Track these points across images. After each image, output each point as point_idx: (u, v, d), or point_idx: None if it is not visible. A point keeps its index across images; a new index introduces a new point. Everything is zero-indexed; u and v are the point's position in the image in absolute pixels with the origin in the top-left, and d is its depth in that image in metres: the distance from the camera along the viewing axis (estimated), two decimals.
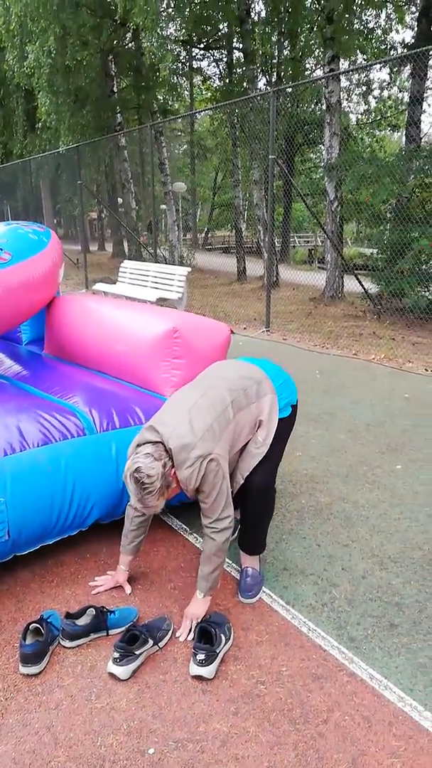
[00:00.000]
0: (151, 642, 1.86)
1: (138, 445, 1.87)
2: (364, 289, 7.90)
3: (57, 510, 2.22)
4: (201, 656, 1.78)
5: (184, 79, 18.81)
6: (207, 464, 1.82)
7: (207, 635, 1.85)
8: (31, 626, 1.86)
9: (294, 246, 21.36)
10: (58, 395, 2.71)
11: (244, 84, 11.52)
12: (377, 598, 2.16)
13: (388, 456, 3.44)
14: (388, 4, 12.19)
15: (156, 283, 8.00)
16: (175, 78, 15.97)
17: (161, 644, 1.91)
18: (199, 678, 1.78)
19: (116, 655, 1.79)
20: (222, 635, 1.87)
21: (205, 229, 27.21)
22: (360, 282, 7.88)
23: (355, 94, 16.81)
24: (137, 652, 1.81)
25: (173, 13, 11.55)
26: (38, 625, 1.86)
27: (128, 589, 2.19)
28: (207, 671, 1.77)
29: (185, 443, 1.82)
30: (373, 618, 2.06)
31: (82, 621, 1.94)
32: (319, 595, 2.18)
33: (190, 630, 1.96)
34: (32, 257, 3.13)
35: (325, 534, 2.60)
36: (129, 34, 12.87)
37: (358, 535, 2.59)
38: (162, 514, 2.75)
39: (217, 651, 1.82)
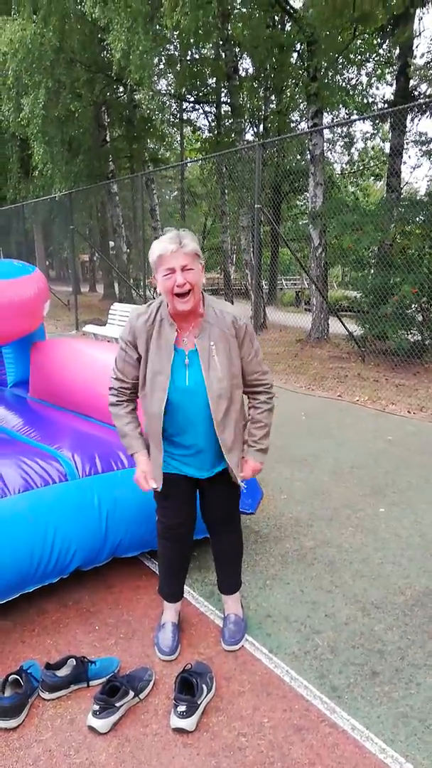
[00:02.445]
0: (131, 693, 1.84)
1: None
2: (349, 331, 8.06)
3: (37, 557, 2.21)
4: (182, 708, 1.76)
5: (175, 129, 19.52)
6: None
7: (188, 685, 1.84)
8: (10, 678, 1.84)
9: (281, 288, 21.76)
10: (40, 440, 2.74)
11: (232, 135, 11.99)
12: (360, 645, 2.16)
13: (371, 499, 3.46)
14: (369, 63, 12.84)
15: None
16: (167, 129, 16.57)
17: (142, 695, 1.89)
18: (179, 731, 1.76)
19: (96, 707, 1.76)
20: (204, 686, 1.86)
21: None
22: (344, 325, 8.04)
23: (339, 146, 17.51)
24: (117, 705, 1.79)
25: (165, 68, 12.11)
26: (17, 677, 1.84)
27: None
28: (188, 723, 1.75)
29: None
30: (356, 666, 2.05)
31: (63, 672, 1.92)
32: (302, 642, 2.18)
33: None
34: (17, 278, 3.24)
35: (309, 579, 2.60)
36: (122, 88, 13.41)
37: (342, 581, 2.59)
38: (144, 558, 2.74)
39: (199, 702, 1.80)
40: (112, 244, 17.32)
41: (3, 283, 3.19)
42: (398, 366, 7.48)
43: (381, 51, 12.26)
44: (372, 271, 8.23)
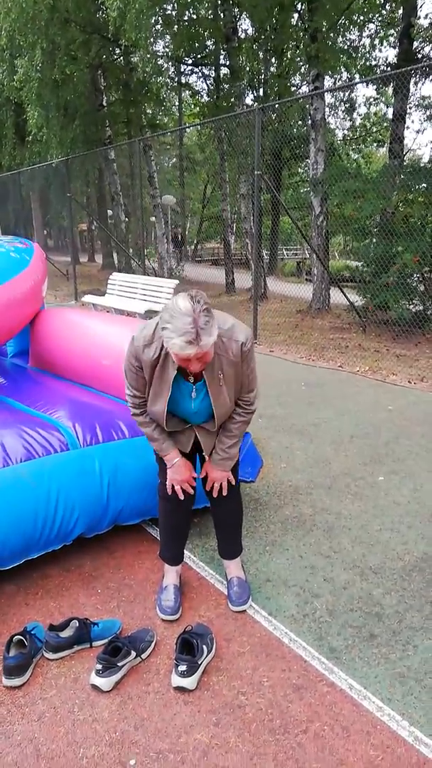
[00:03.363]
0: (133, 654, 1.88)
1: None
2: (350, 302, 8.00)
3: (41, 524, 2.23)
4: (183, 667, 1.80)
5: (173, 93, 19.04)
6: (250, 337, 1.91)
7: (189, 646, 1.87)
8: (14, 638, 1.88)
9: (282, 258, 21.55)
10: (41, 410, 2.74)
11: (232, 100, 11.69)
12: (358, 609, 2.20)
13: (370, 467, 3.49)
14: (371, 24, 12.45)
15: (144, 295, 8.05)
16: (165, 93, 16.15)
17: (144, 656, 1.93)
18: (180, 689, 1.81)
19: (99, 666, 1.80)
20: (204, 646, 1.90)
21: (195, 241, 27.39)
22: (345, 295, 7.99)
23: (341, 111, 17.11)
24: (120, 664, 1.83)
25: (162, 29, 11.73)
26: (22, 638, 1.88)
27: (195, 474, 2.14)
28: (188, 682, 1.79)
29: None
30: (354, 628, 2.09)
31: (66, 633, 1.96)
32: (300, 606, 2.21)
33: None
34: (13, 278, 3.17)
35: (308, 545, 2.64)
36: (118, 50, 13.02)
37: (340, 546, 2.63)
38: (146, 525, 2.78)
39: (199, 662, 1.84)
40: (110, 212, 17.07)
41: (2, 287, 3.10)
42: (399, 336, 7.45)
43: (384, 11, 11.87)
44: (374, 239, 8.13)
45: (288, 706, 1.75)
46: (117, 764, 1.56)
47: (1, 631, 2.06)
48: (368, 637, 2.04)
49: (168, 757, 1.58)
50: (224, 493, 2.13)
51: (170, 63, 14.52)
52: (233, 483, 2.17)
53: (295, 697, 1.78)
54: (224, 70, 13.40)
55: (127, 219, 15.22)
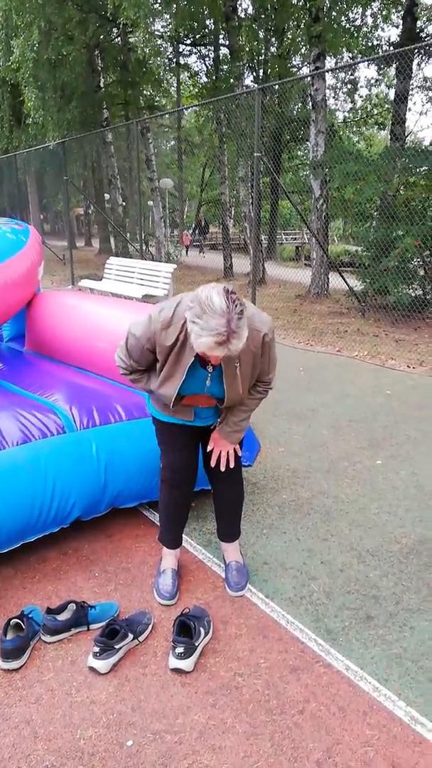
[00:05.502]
0: (131, 636, 1.88)
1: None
2: (349, 286, 7.95)
3: (38, 507, 2.23)
4: (180, 649, 1.80)
5: (171, 74, 18.78)
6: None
7: (186, 628, 1.88)
8: (11, 621, 1.88)
9: (281, 243, 21.40)
10: (38, 393, 2.72)
11: (231, 81, 11.52)
12: (355, 591, 2.20)
13: (368, 451, 3.48)
14: (375, 3, 12.23)
15: (142, 279, 8.00)
16: (163, 73, 15.91)
17: (141, 638, 1.93)
18: (177, 671, 1.81)
19: (96, 649, 1.81)
20: (201, 628, 1.90)
21: (193, 226, 27.20)
22: (345, 279, 7.94)
23: (342, 92, 16.87)
24: (117, 647, 1.83)
25: (160, 8, 11.51)
26: (19, 621, 1.88)
27: None
28: (186, 664, 1.80)
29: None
30: (351, 610, 2.09)
31: (63, 616, 1.96)
32: (298, 588, 2.22)
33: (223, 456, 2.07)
34: (9, 259, 3.13)
35: (306, 528, 2.64)
36: (116, 30, 12.80)
37: (338, 530, 2.63)
38: (143, 509, 2.77)
39: (196, 644, 1.85)
40: (107, 196, 16.91)
41: None
42: (398, 321, 7.42)
43: None
44: (374, 223, 8.06)
45: (285, 687, 1.76)
46: (114, 745, 1.56)
47: None
48: (365, 619, 2.05)
49: (165, 737, 1.59)
50: (231, 464, 2.09)
51: (168, 43, 14.29)
52: (239, 454, 2.15)
53: (292, 678, 1.79)
54: (224, 51, 13.20)
55: (124, 203, 15.09)
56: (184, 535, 2.52)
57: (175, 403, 1.92)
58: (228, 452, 2.07)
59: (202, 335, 1.53)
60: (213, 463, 2.09)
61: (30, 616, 1.94)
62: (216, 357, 1.68)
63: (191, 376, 1.85)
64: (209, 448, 2.09)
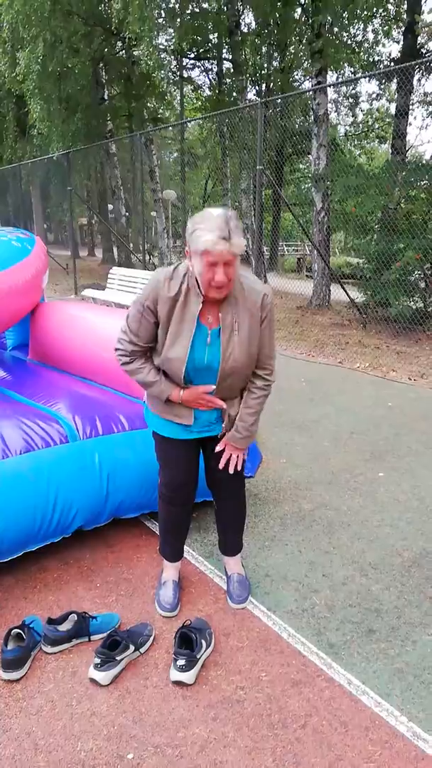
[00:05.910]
0: (132, 648, 1.88)
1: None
2: (350, 298, 7.98)
3: (40, 516, 2.22)
4: (181, 662, 1.80)
5: (175, 87, 18.98)
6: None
7: (187, 641, 1.87)
8: (12, 632, 1.87)
9: (283, 254, 21.50)
10: (41, 402, 2.73)
11: (234, 94, 11.65)
12: (357, 604, 2.19)
13: (370, 464, 3.48)
14: (375, 19, 12.39)
15: None
16: (166, 86, 16.09)
17: (142, 650, 1.92)
18: (179, 683, 1.80)
19: (97, 660, 1.80)
20: (203, 641, 1.89)
21: None
22: (346, 291, 7.97)
23: (343, 106, 17.05)
24: (118, 658, 1.82)
25: (165, 22, 11.67)
26: (20, 631, 1.87)
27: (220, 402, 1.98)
28: (187, 677, 1.79)
29: None
30: (352, 624, 2.09)
31: (64, 626, 1.95)
32: (299, 601, 2.21)
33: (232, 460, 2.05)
34: (15, 266, 3.16)
35: (308, 541, 2.63)
36: (120, 43, 12.96)
37: (340, 542, 2.62)
38: (145, 519, 2.77)
39: (198, 656, 1.84)
40: (111, 207, 17.01)
41: (3, 274, 3.08)
42: (400, 333, 7.44)
43: (389, 6, 11.80)
44: (375, 236, 8.10)
45: (286, 701, 1.75)
46: (115, 758, 1.55)
47: None
48: (367, 633, 2.04)
49: (166, 751, 1.58)
50: (239, 468, 2.07)
51: (172, 57, 14.45)
52: (245, 457, 2.13)
53: (294, 692, 1.78)
54: (227, 65, 13.35)
55: (127, 214, 15.19)
56: (185, 546, 2.51)
57: (184, 383, 1.87)
58: (237, 456, 2.05)
59: (204, 234, 1.66)
60: (222, 466, 2.06)
61: (31, 626, 1.93)
62: (219, 273, 1.67)
63: (195, 338, 1.83)
64: (218, 449, 2.04)
